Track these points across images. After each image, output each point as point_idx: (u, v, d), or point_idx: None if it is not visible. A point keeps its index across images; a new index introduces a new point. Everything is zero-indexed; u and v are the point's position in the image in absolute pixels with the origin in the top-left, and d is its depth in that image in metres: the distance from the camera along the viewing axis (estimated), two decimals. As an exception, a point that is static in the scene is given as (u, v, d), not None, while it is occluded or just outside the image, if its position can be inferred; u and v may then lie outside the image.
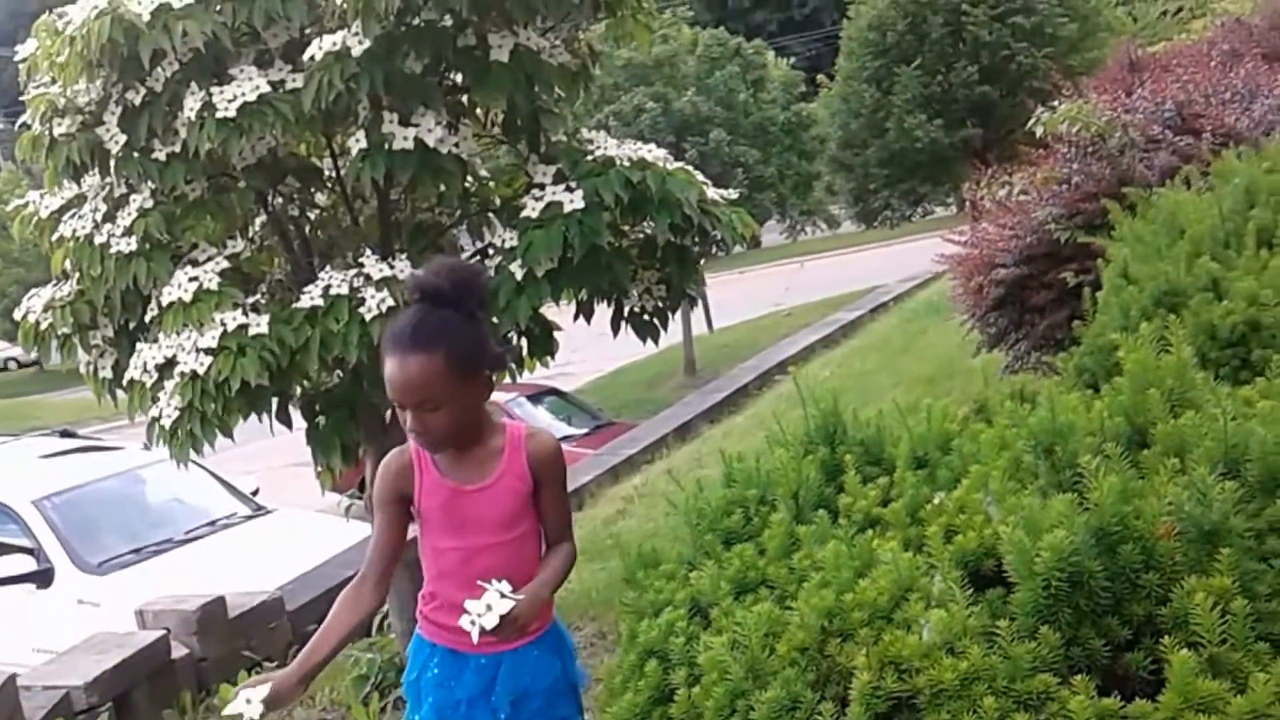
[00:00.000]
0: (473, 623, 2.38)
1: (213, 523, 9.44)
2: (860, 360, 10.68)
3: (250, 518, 9.61)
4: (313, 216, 4.68)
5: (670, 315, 4.87)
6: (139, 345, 4.17)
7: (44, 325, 4.37)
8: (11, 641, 7.72)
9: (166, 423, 4.06)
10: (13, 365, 44.95)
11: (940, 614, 2.34)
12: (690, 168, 4.67)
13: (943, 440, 3.04)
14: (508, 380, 6.22)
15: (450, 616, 2.53)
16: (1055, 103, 6.50)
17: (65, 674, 5.19)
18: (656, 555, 3.07)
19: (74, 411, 19.16)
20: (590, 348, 12.80)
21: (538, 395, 14.11)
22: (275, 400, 4.36)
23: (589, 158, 4.29)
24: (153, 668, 5.40)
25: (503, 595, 2.40)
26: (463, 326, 2.45)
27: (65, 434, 10.63)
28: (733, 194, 4.78)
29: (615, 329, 4.73)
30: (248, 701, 2.40)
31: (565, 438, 13.44)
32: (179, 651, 5.57)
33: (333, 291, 4.01)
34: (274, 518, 9.64)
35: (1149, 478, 2.48)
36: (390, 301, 3.97)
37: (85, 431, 11.96)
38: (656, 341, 4.93)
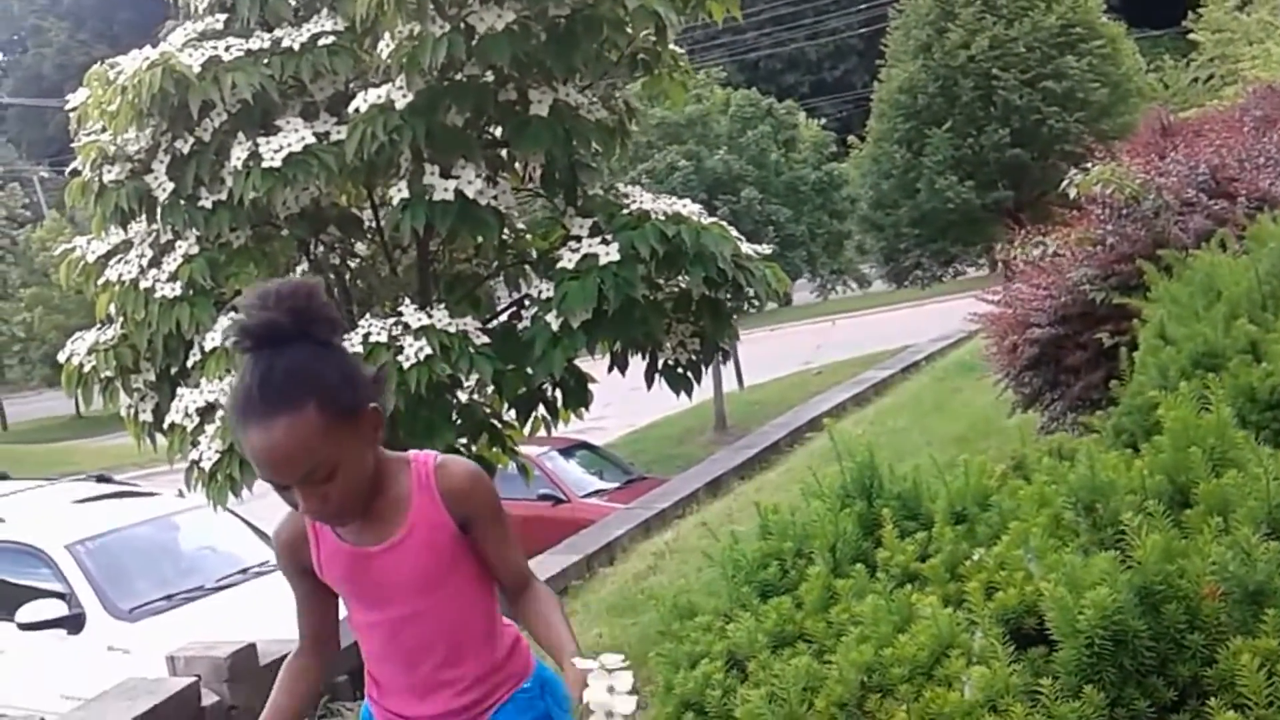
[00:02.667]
0: (609, 715, 1.86)
1: (244, 570, 9.40)
2: (892, 419, 10.61)
3: (284, 567, 9.59)
4: (353, 265, 4.73)
5: (704, 368, 4.87)
6: (180, 390, 4.21)
7: (87, 368, 4.42)
8: (41, 687, 7.69)
9: (206, 465, 4.08)
10: None
11: (982, 671, 2.30)
12: (724, 223, 4.69)
13: (981, 496, 3.00)
14: (540, 433, 6.23)
15: (400, 702, 2.20)
16: (1088, 165, 6.50)
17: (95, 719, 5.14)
18: (692, 607, 3.04)
19: (111, 457, 19.28)
20: (622, 403, 12.81)
21: (569, 449, 14.09)
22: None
23: (625, 211, 4.32)
24: (183, 715, 5.34)
25: (610, 669, 1.87)
26: (324, 360, 1.94)
27: (101, 479, 10.64)
28: (766, 249, 4.80)
29: (649, 381, 4.73)
30: None
31: (597, 492, 13.40)
32: (209, 699, 5.51)
33: (372, 339, 4.03)
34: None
35: (1192, 537, 2.43)
36: (428, 350, 3.98)
37: (121, 477, 12.01)
38: (690, 394, 4.92)
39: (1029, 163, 28.21)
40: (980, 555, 2.69)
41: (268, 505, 7.76)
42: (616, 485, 13.53)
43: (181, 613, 8.46)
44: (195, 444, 4.14)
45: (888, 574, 2.76)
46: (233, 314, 2.06)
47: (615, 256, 4.08)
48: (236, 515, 9.88)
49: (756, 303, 5.05)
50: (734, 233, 4.59)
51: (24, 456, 21.83)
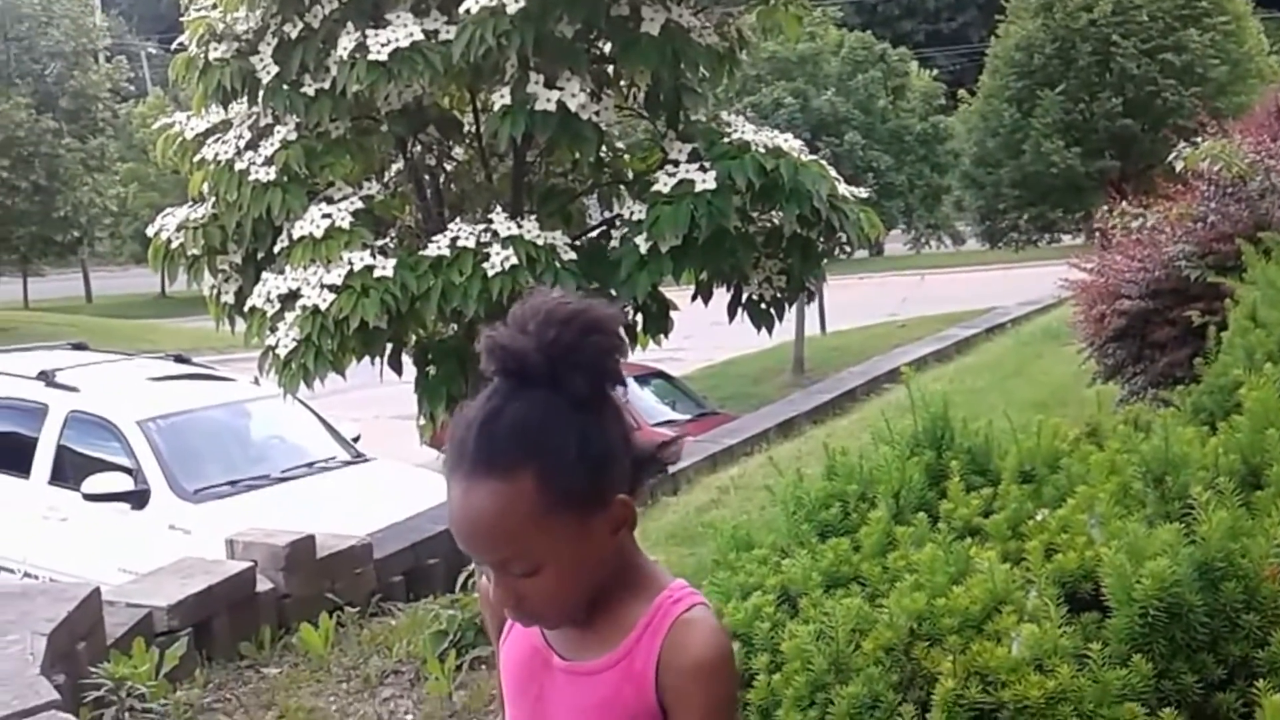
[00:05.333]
0: None
1: (311, 464, 9.60)
2: (972, 378, 10.54)
3: (349, 463, 9.77)
4: (448, 169, 4.79)
5: (787, 306, 4.89)
6: (264, 275, 4.31)
7: (175, 244, 4.54)
8: (99, 559, 7.94)
9: (282, 353, 4.19)
10: None
11: (1032, 630, 2.34)
12: (824, 162, 4.69)
13: (1051, 458, 3.02)
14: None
15: None
16: (1198, 140, 6.37)
17: (150, 594, 5.27)
18: (750, 540, 3.10)
19: (190, 339, 19.72)
20: (702, 337, 12.83)
21: (645, 377, 14.17)
22: (389, 345, 4.47)
23: (725, 140, 4.33)
24: (236, 598, 5.48)
25: None
26: (566, 423, 1.50)
27: (179, 359, 10.86)
28: (863, 193, 4.79)
29: (731, 314, 4.76)
30: None
31: (668, 422, 13.48)
32: (264, 585, 5.65)
33: (460, 244, 4.10)
34: (372, 466, 9.79)
35: (1259, 518, 2.44)
36: (514, 260, 4.05)
37: (198, 360, 12.27)
38: (771, 331, 4.95)
39: (1138, 134, 27.58)
40: (1044, 516, 2.72)
41: (340, 401, 7.91)
42: (688, 417, 13.61)
43: (244, 499, 8.67)
44: (273, 330, 4.24)
45: (949, 525, 2.80)
46: (492, 331, 1.52)
47: (711, 185, 4.10)
48: (308, 408, 10.09)
49: (848, 247, 5.05)
50: (833, 173, 4.58)
51: (105, 330, 22.37)
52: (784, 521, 3.10)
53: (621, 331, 1.57)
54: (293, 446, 9.82)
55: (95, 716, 4.03)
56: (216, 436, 9.62)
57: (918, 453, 3.10)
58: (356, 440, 10.19)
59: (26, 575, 8.37)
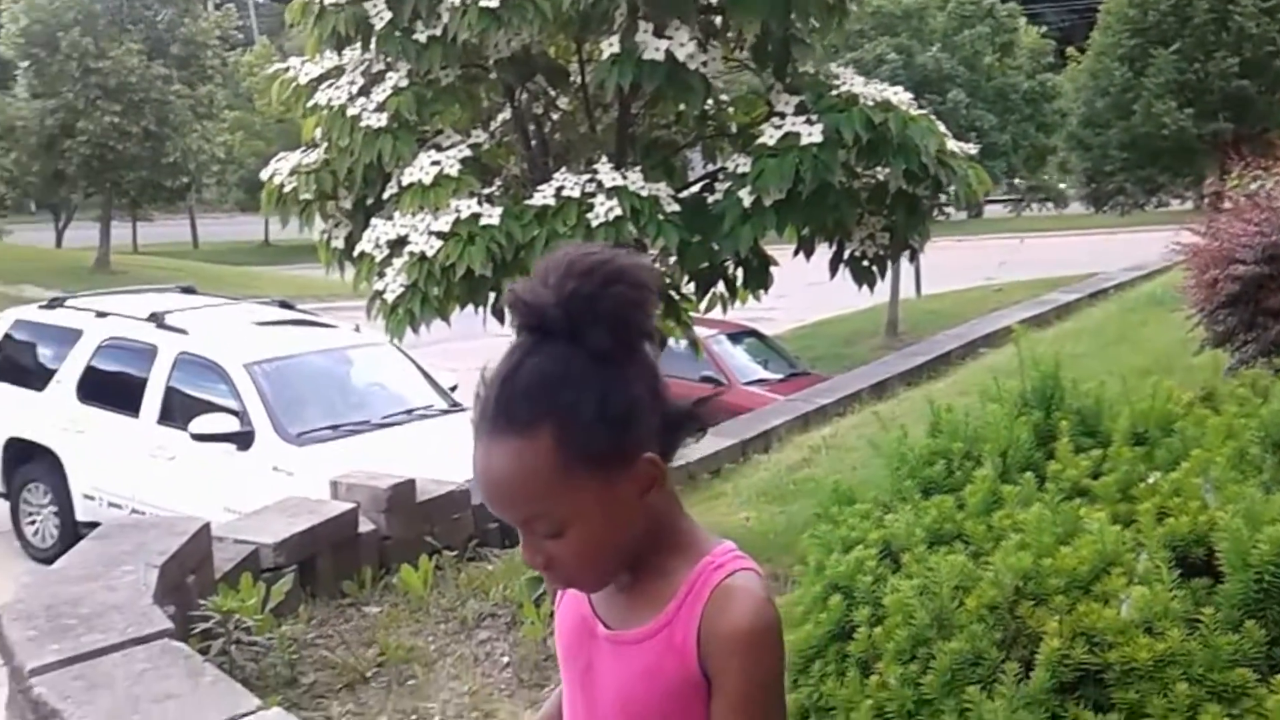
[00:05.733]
0: None
1: (409, 411, 9.74)
2: (1072, 343, 10.34)
3: (446, 412, 9.89)
4: (554, 118, 4.79)
5: (889, 264, 4.84)
6: (374, 220, 4.36)
7: (287, 189, 4.60)
8: (205, 497, 8.15)
9: (389, 298, 4.24)
10: None
11: (1142, 592, 2.30)
12: (932, 117, 4.61)
13: (1165, 421, 2.96)
14: (713, 314, 6.25)
15: None
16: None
17: (257, 531, 5.38)
18: (852, 494, 3.08)
19: (293, 286, 20.05)
20: (795, 297, 12.74)
21: (738, 335, 14.14)
22: (493, 293, 4.51)
23: (833, 93, 4.28)
24: (339, 538, 5.58)
25: None
26: (585, 379, 1.44)
27: (283, 305, 11.06)
28: (973, 149, 4.70)
29: (833, 270, 4.72)
30: None
31: (760, 381, 13.46)
32: (366, 526, 5.75)
33: (565, 193, 4.11)
34: (468, 415, 9.90)
35: (1383, 486, 2.38)
36: (618, 211, 4.05)
37: (301, 307, 12.49)
38: (872, 288, 4.90)
39: (1254, 95, 26.65)
40: (1156, 479, 2.67)
41: (437, 351, 8.00)
42: (779, 377, 13.57)
43: (345, 444, 8.82)
44: (381, 275, 4.30)
45: (1057, 486, 2.76)
46: (517, 284, 1.47)
47: (817, 138, 4.05)
48: (408, 357, 10.24)
49: (949, 207, 4.97)
50: (941, 128, 4.51)
51: (211, 276, 22.88)
52: (886, 477, 3.08)
53: (650, 283, 1.50)
54: (392, 394, 9.98)
55: (203, 647, 4.14)
56: (319, 381, 9.80)
57: (1025, 412, 3.06)
58: (454, 390, 10.31)
59: (134, 512, 8.63)
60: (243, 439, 8.84)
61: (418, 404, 9.86)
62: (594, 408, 1.42)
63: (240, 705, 2.92)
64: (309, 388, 9.63)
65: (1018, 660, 2.36)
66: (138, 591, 3.58)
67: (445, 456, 8.38)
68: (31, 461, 9.73)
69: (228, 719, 2.84)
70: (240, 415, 8.95)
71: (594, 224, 4.08)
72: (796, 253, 4.61)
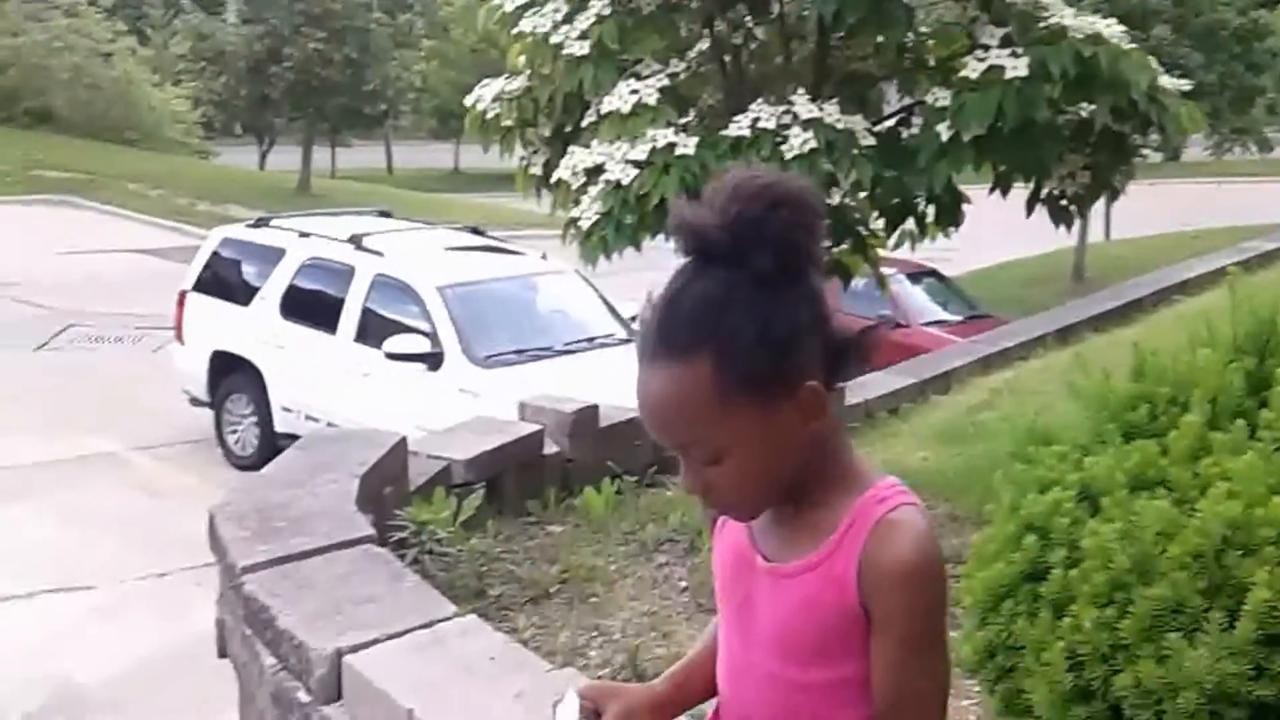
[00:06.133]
0: None
1: (591, 340, 9.87)
2: (1275, 293, 9.85)
3: (626, 341, 9.99)
4: (751, 49, 4.74)
5: (1090, 204, 4.66)
6: (571, 148, 4.40)
7: (490, 115, 4.67)
8: (396, 413, 8.42)
9: (584, 225, 4.29)
10: None
11: (1362, 546, 2.19)
12: (1144, 51, 4.40)
13: (1397, 374, 2.79)
14: (897, 253, 6.13)
15: None
16: None
17: (448, 447, 5.52)
18: (1049, 434, 3.00)
19: (481, 214, 20.44)
20: (975, 238, 12.39)
21: (917, 275, 13.88)
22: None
23: (1041, 25, 4.12)
24: (525, 458, 5.69)
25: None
26: (749, 305, 1.40)
27: (475, 231, 11.29)
28: (1186, 84, 4.48)
29: (1029, 209, 4.58)
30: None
31: (938, 322, 13.20)
32: (550, 448, 5.84)
33: (760, 124, 4.07)
34: (645, 344, 9.98)
35: None
36: (813, 143, 3.99)
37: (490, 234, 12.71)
38: (1070, 228, 4.74)
39: None
40: (1381, 432, 2.53)
41: (617, 283, 8.07)
42: (959, 319, 13.30)
43: (529, 368, 9.00)
44: (577, 202, 4.35)
45: (1270, 435, 2.64)
46: (682, 200, 1.44)
47: (1023, 72, 3.92)
48: (592, 286, 10.37)
49: (1145, 150, 4.75)
50: (1153, 63, 4.30)
51: (403, 201, 23.43)
52: (1086, 419, 2.99)
53: (817, 208, 1.45)
54: (575, 321, 10.12)
55: (398, 555, 4.30)
56: (505, 306, 10.00)
57: (1238, 358, 2.92)
58: (634, 320, 10.39)
59: (329, 425, 8.97)
60: (433, 360, 9.10)
61: (599, 332, 9.99)
62: (755, 333, 1.39)
63: (438, 611, 3.02)
64: (496, 312, 9.84)
65: (1222, 609, 2.28)
66: (341, 499, 3.72)
67: (624, 385, 8.43)
68: (235, 374, 10.21)
69: (426, 623, 2.94)
70: (431, 337, 9.21)
71: (788, 156, 4.04)
72: (992, 190, 4.48)
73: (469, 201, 27.69)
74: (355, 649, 2.76)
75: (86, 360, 12.97)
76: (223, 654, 3.45)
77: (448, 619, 2.99)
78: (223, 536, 3.31)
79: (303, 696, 2.80)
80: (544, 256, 10.75)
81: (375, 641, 2.81)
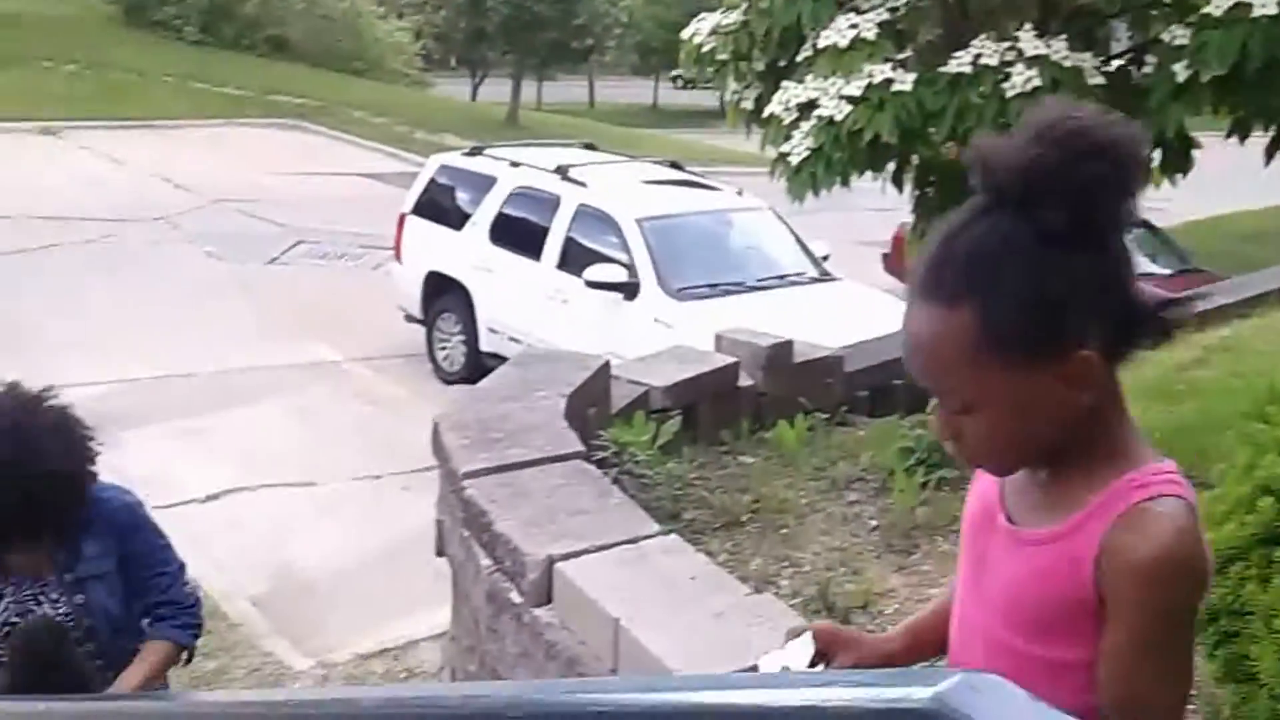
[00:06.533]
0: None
1: (782, 277, 9.77)
2: None
3: (817, 280, 9.86)
4: (978, -18, 4.53)
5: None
6: (784, 83, 4.30)
7: (706, 49, 4.60)
8: (592, 340, 8.49)
9: (794, 160, 4.19)
10: None
11: None
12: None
13: None
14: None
15: None
16: None
17: (648, 374, 5.54)
18: (1289, 393, 2.81)
19: (678, 150, 20.37)
20: (1195, 186, 11.70)
21: (1128, 224, 13.21)
22: (894, 161, 4.37)
23: (1293, -39, 3.79)
24: (720, 389, 5.67)
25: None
26: (1028, 259, 1.28)
27: (674, 165, 11.26)
28: None
29: (1268, 157, 4.28)
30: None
31: (1146, 275, 12.55)
32: (744, 381, 5.82)
33: (982, 61, 3.90)
34: (839, 285, 9.83)
35: None
36: (1037, 81, 3.80)
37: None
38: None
39: None
40: None
41: (807, 222, 7.89)
42: (1168, 272, 12.61)
43: (721, 302, 8.96)
44: (788, 138, 4.25)
45: None
46: (985, 140, 1.33)
47: (1272, 10, 3.62)
48: (786, 224, 10.24)
49: None
50: None
51: (604, 135, 23.55)
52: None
53: (1138, 163, 1.31)
54: (767, 258, 10.03)
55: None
56: (701, 241, 9.97)
57: None
58: (825, 259, 10.23)
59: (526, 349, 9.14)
60: (629, 289, 9.16)
61: (790, 270, 9.88)
62: (1026, 294, 1.28)
63: (642, 529, 3.03)
64: (691, 246, 9.82)
65: None
66: (553, 415, 3.77)
67: (814, 323, 8.38)
68: (446, 294, 10.47)
69: (631, 539, 2.95)
70: (629, 267, 9.25)
71: (1009, 95, 3.86)
72: (1229, 135, 4.19)
73: (667, 137, 27.65)
74: (566, 557, 2.79)
75: (313, 275, 13.52)
76: (440, 553, 3.54)
77: (651, 537, 3.00)
78: (446, 444, 3.39)
79: (515, 597, 2.85)
80: (740, 192, 10.66)
81: (585, 552, 2.83)
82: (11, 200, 15.30)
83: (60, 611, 3.06)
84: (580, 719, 0.82)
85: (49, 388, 3.15)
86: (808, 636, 1.57)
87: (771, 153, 4.47)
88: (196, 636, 3.24)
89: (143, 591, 3.14)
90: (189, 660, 3.27)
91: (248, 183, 17.51)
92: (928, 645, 1.65)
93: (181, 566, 3.30)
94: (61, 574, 3.06)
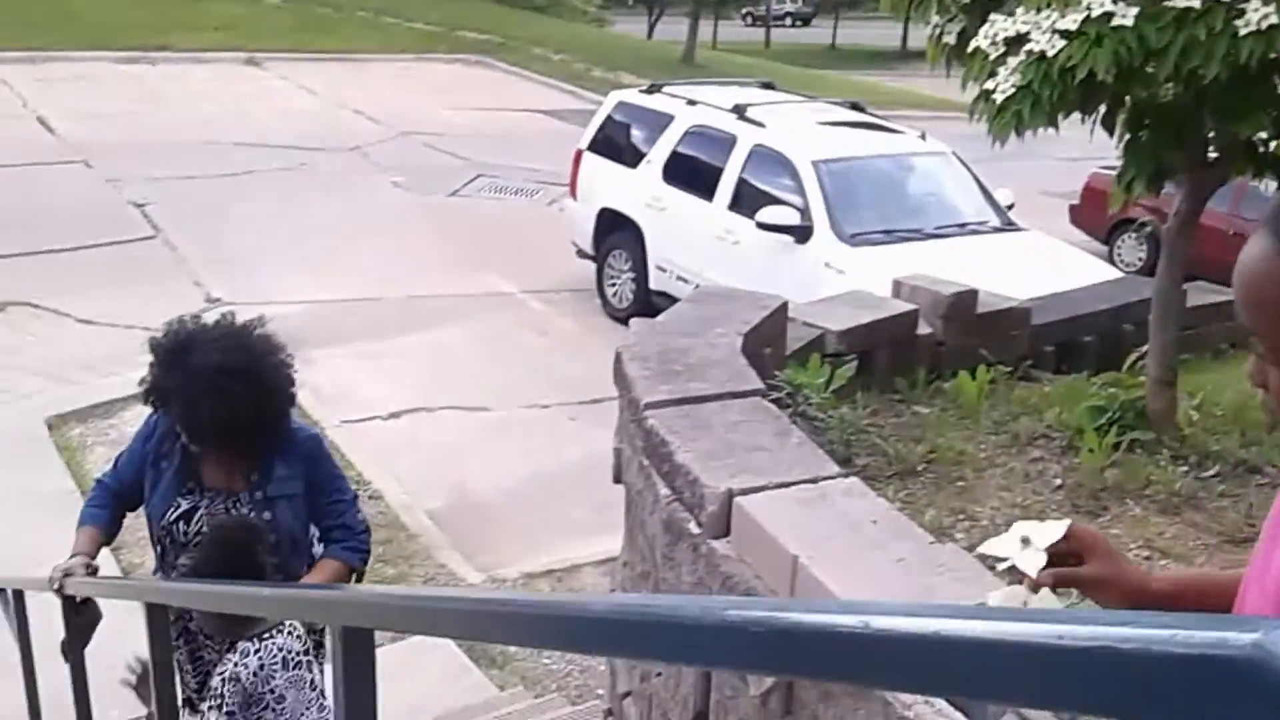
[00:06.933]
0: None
1: (962, 225, 9.44)
2: None
3: (999, 230, 9.49)
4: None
5: None
6: (992, 16, 4.03)
7: (909, -20, 4.37)
8: (761, 283, 8.30)
9: (998, 98, 3.93)
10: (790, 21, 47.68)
11: None
12: None
13: None
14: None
15: None
16: None
17: (823, 317, 5.42)
18: None
19: (855, 91, 19.88)
20: None
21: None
22: (1107, 102, 4.08)
23: None
24: (897, 336, 5.51)
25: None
26: None
27: (854, 106, 10.94)
28: None
29: None
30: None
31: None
32: (923, 329, 5.63)
33: (1211, -6, 3.57)
34: (1024, 236, 9.44)
35: None
36: (1275, 18, 3.46)
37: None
38: None
39: None
40: None
41: (988, 170, 7.55)
42: None
43: (896, 249, 8.69)
44: (992, 75, 3.99)
45: None
46: None
47: None
48: (970, 170, 9.86)
49: None
50: None
51: (780, 75, 23.08)
52: None
53: None
54: (947, 205, 9.70)
55: (773, 414, 4.23)
56: (878, 185, 9.71)
57: None
58: (1010, 209, 9.83)
59: (697, 288, 9.04)
60: (801, 233, 8.97)
61: (971, 218, 9.54)
62: None
63: (822, 469, 2.92)
64: (868, 190, 9.57)
65: None
66: (733, 352, 3.67)
67: (995, 274, 8.02)
68: (618, 231, 10.44)
69: (811, 478, 2.84)
70: (802, 210, 9.06)
71: (1241, 32, 3.53)
72: None
73: (845, 78, 27.02)
74: (746, 492, 2.70)
75: (491, 207, 13.70)
76: (617, 479, 3.50)
77: (832, 478, 2.88)
78: (628, 373, 3.32)
79: (693, 528, 2.77)
80: (923, 136, 10.30)
81: (764, 488, 2.74)
82: (215, 126, 15.91)
83: None
84: (851, 640, 0.74)
85: (260, 317, 3.41)
86: (1062, 525, 1.39)
87: (972, 93, 4.20)
88: (364, 561, 3.39)
89: (321, 515, 3.33)
90: (359, 580, 3.39)
91: (433, 116, 17.81)
92: (1186, 603, 1.46)
93: (355, 497, 3.51)
94: (253, 491, 3.25)
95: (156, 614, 2.74)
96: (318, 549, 3.38)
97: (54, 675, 3.85)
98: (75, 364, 8.46)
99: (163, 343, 3.22)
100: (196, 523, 3.24)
